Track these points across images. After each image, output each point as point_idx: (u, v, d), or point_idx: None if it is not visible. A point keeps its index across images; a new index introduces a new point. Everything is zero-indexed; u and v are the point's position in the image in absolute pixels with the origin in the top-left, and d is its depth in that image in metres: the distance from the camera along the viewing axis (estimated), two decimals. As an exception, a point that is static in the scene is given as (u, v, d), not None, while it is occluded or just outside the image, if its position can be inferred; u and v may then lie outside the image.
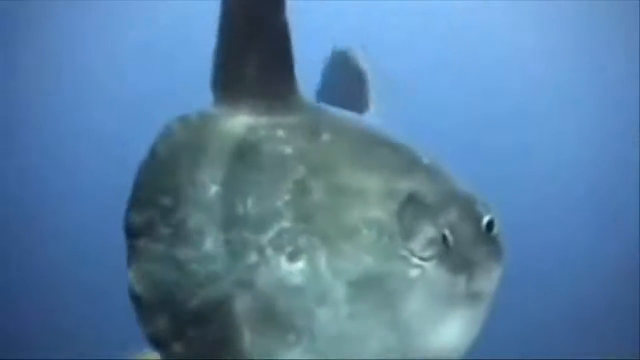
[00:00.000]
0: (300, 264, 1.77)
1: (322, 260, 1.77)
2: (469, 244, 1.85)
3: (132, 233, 1.88)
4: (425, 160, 1.90)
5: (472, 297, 1.84)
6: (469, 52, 8.56)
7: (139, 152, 1.93)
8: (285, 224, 1.79)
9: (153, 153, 1.92)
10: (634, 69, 7.92)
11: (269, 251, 1.78)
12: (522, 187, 7.91)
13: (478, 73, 8.50)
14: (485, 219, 1.88)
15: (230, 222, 1.81)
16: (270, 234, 1.78)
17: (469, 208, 1.87)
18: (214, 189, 1.83)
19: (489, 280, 1.88)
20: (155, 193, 1.87)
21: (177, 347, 1.81)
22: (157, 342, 1.82)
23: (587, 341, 6.60)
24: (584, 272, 7.60)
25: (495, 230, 1.90)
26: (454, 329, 1.82)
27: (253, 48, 1.91)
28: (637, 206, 7.75)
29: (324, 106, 2.01)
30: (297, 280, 1.77)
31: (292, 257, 1.77)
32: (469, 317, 1.85)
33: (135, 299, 1.85)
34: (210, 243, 1.80)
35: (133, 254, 1.87)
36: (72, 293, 7.80)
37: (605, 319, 7.12)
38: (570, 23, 8.38)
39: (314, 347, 1.77)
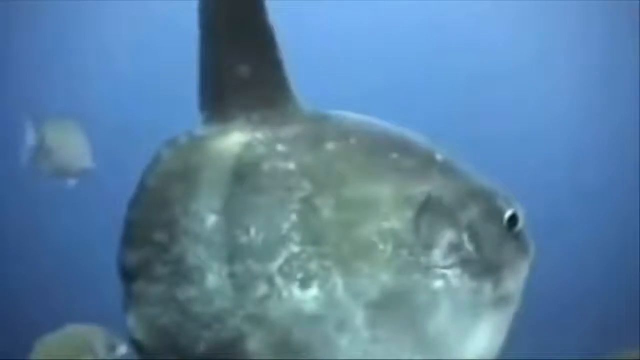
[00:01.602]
0: (313, 291, 1.63)
1: (337, 284, 1.63)
2: (493, 244, 1.72)
3: (127, 275, 1.73)
4: (439, 158, 1.77)
5: (500, 300, 1.72)
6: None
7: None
8: (294, 248, 1.64)
9: (142, 185, 1.77)
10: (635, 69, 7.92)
11: (279, 280, 1.63)
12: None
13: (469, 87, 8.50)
14: (508, 214, 1.75)
15: (233, 253, 1.66)
16: (279, 261, 1.64)
17: (489, 204, 1.75)
18: (212, 219, 1.68)
19: (516, 281, 1.76)
20: (148, 229, 1.72)
21: None
22: None
23: (586, 339, 6.60)
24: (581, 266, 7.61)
25: (520, 224, 1.77)
26: (482, 338, 1.70)
27: (238, 55, 1.77)
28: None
29: (324, 111, 1.85)
30: (312, 308, 1.62)
31: (305, 284, 1.63)
32: (497, 322, 1.72)
33: (137, 345, 1.71)
34: (213, 279, 1.66)
35: (130, 297, 1.72)
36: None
37: (604, 316, 7.12)
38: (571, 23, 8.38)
39: None
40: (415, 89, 8.59)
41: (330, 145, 1.73)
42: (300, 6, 7.23)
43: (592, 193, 8.06)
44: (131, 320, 1.71)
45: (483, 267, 1.70)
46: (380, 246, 1.65)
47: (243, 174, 1.71)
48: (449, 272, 1.67)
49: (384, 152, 1.74)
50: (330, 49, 8.48)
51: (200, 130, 1.81)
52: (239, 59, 1.77)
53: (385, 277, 1.64)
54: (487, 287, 1.70)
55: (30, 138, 5.67)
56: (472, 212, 1.72)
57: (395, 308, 1.64)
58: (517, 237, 1.78)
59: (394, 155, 1.74)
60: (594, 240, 7.75)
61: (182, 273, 1.68)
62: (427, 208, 1.68)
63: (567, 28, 8.25)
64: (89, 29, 9.11)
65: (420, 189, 1.70)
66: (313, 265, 1.64)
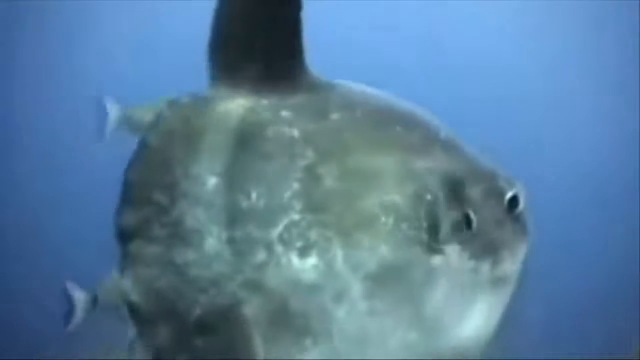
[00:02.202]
0: (312, 260, 1.61)
1: (336, 254, 1.61)
2: (493, 224, 1.71)
3: (124, 235, 1.70)
4: (442, 135, 1.75)
5: (497, 281, 1.71)
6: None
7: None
8: (295, 216, 1.62)
9: (143, 145, 1.73)
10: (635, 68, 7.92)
11: (278, 247, 1.61)
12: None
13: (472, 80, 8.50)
14: (509, 195, 1.74)
15: (234, 217, 1.63)
16: (279, 228, 1.62)
17: (491, 185, 1.73)
18: (213, 182, 1.65)
19: (513, 263, 1.75)
20: (148, 190, 1.69)
21: None
22: (159, 355, 1.65)
23: (585, 342, 6.60)
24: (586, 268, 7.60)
25: (520, 206, 1.76)
26: (477, 318, 1.69)
27: (256, 17, 1.72)
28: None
29: (333, 81, 1.81)
30: (310, 277, 1.61)
31: (304, 253, 1.61)
32: (493, 303, 1.72)
33: (133, 308, 1.68)
34: (212, 243, 1.63)
35: (127, 258, 1.69)
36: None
37: (606, 319, 7.11)
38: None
39: (332, 349, 1.61)
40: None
41: (335, 115, 1.71)
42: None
43: (610, 200, 8.06)
44: (127, 282, 1.68)
45: (482, 246, 1.69)
46: (382, 219, 1.63)
47: (246, 139, 1.68)
48: (448, 249, 1.66)
49: (389, 125, 1.72)
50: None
51: (205, 92, 1.77)
52: (255, 25, 1.73)
53: (385, 250, 1.62)
54: (485, 267, 1.69)
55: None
56: (474, 191, 1.70)
57: (394, 282, 1.63)
58: (518, 219, 1.77)
59: (399, 129, 1.72)
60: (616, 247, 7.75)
61: (180, 235, 1.65)
62: (430, 184, 1.67)
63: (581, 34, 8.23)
64: (89, 29, 9.11)
65: (424, 163, 1.68)
66: (313, 234, 1.62)
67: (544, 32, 8.55)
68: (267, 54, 1.73)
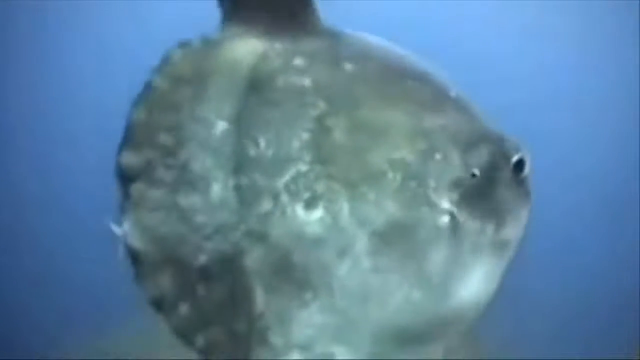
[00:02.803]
0: (318, 212, 1.59)
1: (343, 208, 1.59)
2: (499, 187, 1.70)
3: (127, 177, 1.64)
4: (453, 94, 1.72)
5: (499, 245, 1.70)
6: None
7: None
8: (303, 167, 1.59)
9: (150, 86, 1.67)
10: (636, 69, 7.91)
11: (284, 198, 1.59)
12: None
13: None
14: (515, 158, 1.72)
15: (240, 164, 1.60)
16: (286, 178, 1.59)
17: (499, 147, 1.71)
18: (221, 127, 1.62)
19: (516, 227, 1.73)
20: (154, 131, 1.64)
21: (184, 309, 1.61)
22: (160, 304, 1.62)
23: (586, 342, 6.59)
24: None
25: (526, 170, 1.74)
26: (477, 281, 1.67)
27: None
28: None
29: (346, 31, 1.77)
30: (315, 230, 1.58)
31: (310, 205, 1.59)
32: (493, 267, 1.70)
33: (133, 254, 1.63)
34: (218, 189, 1.60)
35: (129, 201, 1.63)
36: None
37: (606, 318, 7.12)
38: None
39: (333, 304, 1.59)
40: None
41: (348, 66, 1.67)
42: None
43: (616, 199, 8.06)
44: (128, 226, 1.63)
45: (488, 209, 1.68)
46: (390, 175, 1.61)
47: (257, 85, 1.65)
48: (455, 209, 1.64)
49: (401, 79, 1.69)
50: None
51: (216, 34, 1.72)
52: None
53: (392, 207, 1.60)
54: (489, 230, 1.68)
55: None
56: (482, 153, 1.69)
57: (399, 240, 1.61)
58: (522, 183, 1.76)
59: (411, 84, 1.69)
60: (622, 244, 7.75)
61: (186, 180, 1.62)
62: (440, 143, 1.65)
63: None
64: (87, 28, 9.09)
65: (435, 121, 1.66)
66: (320, 186, 1.60)
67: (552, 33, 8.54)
68: None
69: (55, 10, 8.71)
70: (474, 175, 1.66)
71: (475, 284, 1.67)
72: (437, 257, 1.62)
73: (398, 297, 1.61)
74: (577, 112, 8.50)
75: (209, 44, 1.70)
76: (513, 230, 1.72)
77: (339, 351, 1.62)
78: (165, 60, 1.69)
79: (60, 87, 8.91)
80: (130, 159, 1.65)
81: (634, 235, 7.64)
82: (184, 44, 1.70)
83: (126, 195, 1.64)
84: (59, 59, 9.00)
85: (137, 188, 1.64)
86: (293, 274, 1.59)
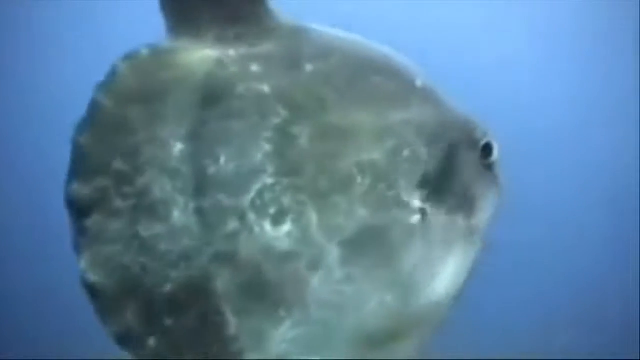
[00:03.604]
0: (287, 227, 1.51)
1: (312, 220, 1.52)
2: (468, 175, 1.66)
3: (79, 209, 1.52)
4: (419, 83, 1.65)
5: (469, 233, 1.66)
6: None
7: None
8: (268, 180, 1.51)
9: (96, 106, 1.54)
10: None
11: (251, 215, 1.50)
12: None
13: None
14: (483, 142, 1.68)
15: (202, 185, 1.51)
16: (251, 194, 1.51)
17: (467, 134, 1.67)
18: (179, 147, 1.51)
19: (487, 213, 1.70)
20: (105, 157, 1.52)
21: (152, 343, 1.52)
22: (126, 340, 1.52)
23: (586, 342, 6.59)
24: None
25: (495, 155, 1.70)
26: (451, 272, 1.63)
27: None
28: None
29: (304, 25, 1.66)
30: (284, 245, 1.51)
31: (278, 220, 1.51)
32: (465, 256, 1.66)
33: (93, 290, 1.52)
34: (180, 214, 1.51)
35: (83, 235, 1.52)
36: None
37: (608, 318, 7.11)
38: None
39: (308, 318, 1.53)
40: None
41: (308, 67, 1.58)
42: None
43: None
44: (85, 261, 1.51)
45: (457, 198, 1.64)
46: (359, 179, 1.54)
47: (212, 97, 1.54)
48: (425, 206, 1.59)
49: (365, 75, 1.61)
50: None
51: (164, 43, 1.60)
52: None
53: (363, 213, 1.54)
54: (460, 220, 1.64)
55: None
56: (450, 143, 1.64)
57: (371, 245, 1.55)
58: (491, 167, 1.72)
59: (376, 79, 1.61)
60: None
61: (145, 207, 1.51)
62: (408, 138, 1.58)
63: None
64: (85, 27, 9.08)
65: (401, 117, 1.59)
66: (287, 199, 1.52)
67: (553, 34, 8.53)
68: None
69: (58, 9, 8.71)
70: (443, 168, 1.62)
71: (448, 276, 1.63)
72: (410, 257, 1.58)
73: (373, 303, 1.56)
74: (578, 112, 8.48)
75: (158, 56, 1.57)
76: (483, 216, 1.69)
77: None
78: (111, 76, 1.56)
79: (60, 88, 8.91)
80: (82, 190, 1.53)
81: (634, 235, 7.64)
82: (130, 57, 1.57)
83: (81, 229, 1.52)
84: (61, 59, 9.00)
85: (93, 222, 1.52)
86: (265, 292, 1.52)
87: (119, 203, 1.52)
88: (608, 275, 7.57)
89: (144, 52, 1.57)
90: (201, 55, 1.56)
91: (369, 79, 1.60)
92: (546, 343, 6.75)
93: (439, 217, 1.61)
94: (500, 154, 1.71)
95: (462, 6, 8.65)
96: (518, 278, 7.11)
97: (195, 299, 1.51)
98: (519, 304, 7.09)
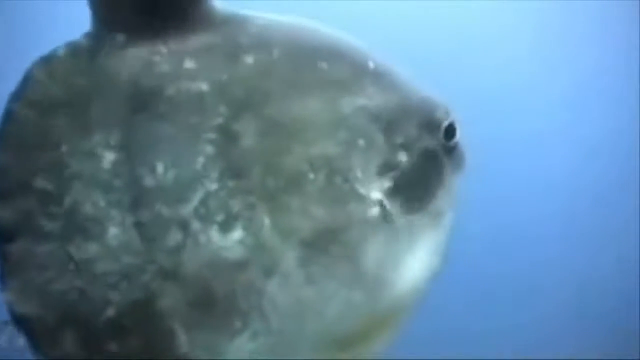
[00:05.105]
0: (237, 234, 1.38)
1: (264, 223, 1.39)
2: (429, 159, 1.55)
3: (1, 235, 1.37)
4: (371, 66, 1.53)
5: (434, 219, 1.56)
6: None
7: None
8: (211, 185, 1.38)
9: (11, 118, 1.38)
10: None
11: (195, 225, 1.37)
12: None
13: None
14: (445, 124, 1.58)
15: (139, 197, 1.37)
16: (194, 202, 1.37)
17: (427, 116, 1.56)
18: (108, 158, 1.37)
19: (451, 196, 1.60)
20: (26, 174, 1.37)
21: None
22: None
23: (586, 342, 6.60)
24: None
25: (457, 136, 1.60)
26: (417, 262, 1.54)
27: None
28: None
29: (241, 13, 1.52)
30: (235, 254, 1.38)
31: (226, 227, 1.38)
32: (431, 243, 1.56)
33: (24, 322, 1.37)
34: (116, 230, 1.36)
35: (9, 263, 1.37)
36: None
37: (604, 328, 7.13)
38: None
39: (267, 327, 1.41)
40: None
41: (248, 58, 1.44)
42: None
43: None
44: (13, 292, 1.37)
45: (420, 185, 1.54)
46: (311, 176, 1.43)
47: (144, 100, 1.39)
48: (385, 197, 1.48)
49: (311, 62, 1.48)
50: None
51: (85, 41, 1.44)
52: None
53: (318, 211, 1.43)
54: (423, 207, 1.55)
55: None
56: (409, 127, 1.53)
57: (330, 244, 1.44)
58: (454, 149, 1.63)
59: (323, 66, 1.48)
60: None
61: (76, 227, 1.36)
62: (362, 126, 1.47)
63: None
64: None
65: (353, 103, 1.47)
66: (235, 204, 1.39)
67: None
68: None
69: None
70: (402, 155, 1.51)
71: (415, 265, 1.54)
72: (373, 252, 1.47)
73: (337, 303, 1.45)
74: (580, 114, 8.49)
75: (78, 57, 1.41)
76: (448, 200, 1.60)
77: None
78: (26, 83, 1.40)
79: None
80: (2, 212, 1.37)
81: (634, 235, 7.65)
82: (46, 60, 1.41)
83: (5, 256, 1.37)
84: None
85: (17, 247, 1.37)
86: (217, 305, 1.39)
87: (46, 224, 1.37)
88: (608, 275, 7.58)
89: (62, 53, 1.41)
90: (128, 54, 1.41)
91: (315, 66, 1.48)
92: (546, 343, 6.76)
93: (400, 207, 1.50)
94: (462, 133, 1.62)
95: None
96: (518, 278, 7.13)
97: (141, 320, 1.38)
98: (519, 303, 7.10)
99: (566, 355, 6.40)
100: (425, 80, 1.61)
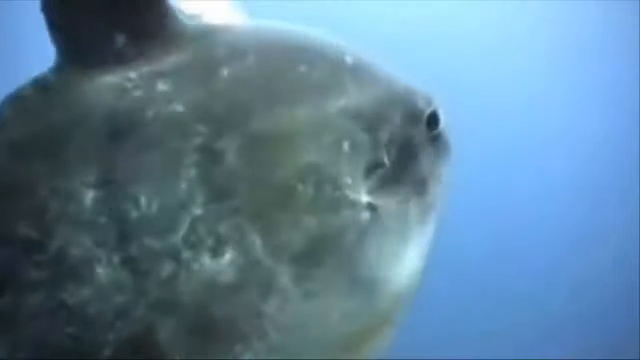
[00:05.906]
0: (228, 256, 1.33)
1: (255, 243, 1.34)
2: (415, 152, 1.52)
3: None
4: (349, 61, 1.48)
5: (423, 212, 1.53)
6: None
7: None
8: (198, 210, 1.32)
9: None
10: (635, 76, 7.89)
11: (186, 253, 1.32)
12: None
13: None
14: (427, 114, 1.54)
15: (125, 233, 1.31)
16: (182, 230, 1.32)
17: (409, 107, 1.52)
18: (89, 196, 1.30)
19: (439, 186, 1.57)
20: (5, 223, 1.30)
21: None
22: None
23: (585, 342, 6.59)
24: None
25: (440, 125, 1.57)
26: (410, 257, 1.50)
27: None
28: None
29: (209, 23, 1.46)
30: (229, 277, 1.33)
31: (217, 251, 1.33)
32: (422, 236, 1.54)
33: None
34: (105, 269, 1.30)
35: None
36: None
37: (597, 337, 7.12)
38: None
39: (269, 346, 1.38)
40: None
41: (224, 71, 1.38)
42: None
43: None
44: (5, 348, 1.31)
45: (407, 180, 1.51)
46: (300, 188, 1.37)
47: (119, 130, 1.32)
48: (375, 199, 1.44)
49: (289, 66, 1.43)
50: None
51: (52, 75, 1.37)
52: None
53: (310, 223, 1.37)
54: (412, 201, 1.51)
55: None
56: (392, 122, 1.49)
57: (325, 254, 1.39)
58: (438, 137, 1.59)
59: (301, 69, 1.43)
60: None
61: (65, 272, 1.30)
62: (345, 128, 1.42)
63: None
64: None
65: (335, 105, 1.42)
66: (223, 227, 1.33)
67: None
68: (120, 4, 1.35)
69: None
70: (388, 152, 1.47)
71: (409, 261, 1.51)
72: (367, 255, 1.44)
73: (337, 311, 1.42)
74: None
75: (47, 93, 1.34)
76: (436, 191, 1.57)
77: None
78: None
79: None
80: None
81: (634, 236, 7.63)
82: (13, 100, 1.34)
83: None
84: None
85: (5, 301, 1.30)
86: (216, 331, 1.35)
87: (33, 274, 1.30)
88: (608, 276, 7.57)
89: (29, 91, 1.34)
90: (98, 84, 1.34)
91: (294, 70, 1.42)
92: (546, 343, 6.75)
93: (390, 206, 1.47)
94: (447, 121, 1.59)
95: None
96: (517, 278, 7.11)
97: (140, 355, 1.33)
98: (519, 304, 7.08)
99: (566, 355, 6.40)
100: (404, 69, 1.58)
